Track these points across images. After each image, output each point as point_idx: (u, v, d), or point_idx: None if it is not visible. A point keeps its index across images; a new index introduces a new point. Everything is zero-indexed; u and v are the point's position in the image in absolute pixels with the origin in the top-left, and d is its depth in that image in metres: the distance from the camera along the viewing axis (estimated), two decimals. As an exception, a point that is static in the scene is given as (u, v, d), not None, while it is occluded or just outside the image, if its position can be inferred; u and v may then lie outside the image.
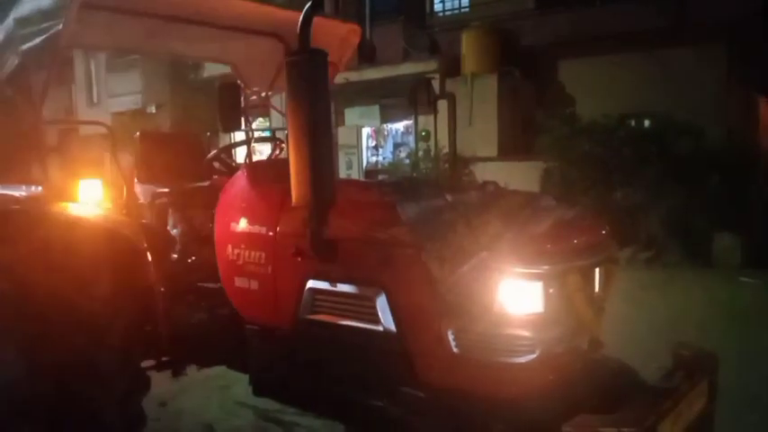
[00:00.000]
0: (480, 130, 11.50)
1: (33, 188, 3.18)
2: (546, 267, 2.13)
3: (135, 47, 4.27)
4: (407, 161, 12.17)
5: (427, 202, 2.47)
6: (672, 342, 2.49)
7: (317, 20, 2.35)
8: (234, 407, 4.17)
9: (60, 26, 2.83)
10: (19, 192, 3.18)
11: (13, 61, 3.28)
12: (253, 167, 3.12)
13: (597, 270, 2.37)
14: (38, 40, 3.02)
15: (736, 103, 10.53)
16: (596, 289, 2.38)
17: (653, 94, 10.49)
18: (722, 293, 7.19)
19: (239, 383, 3.81)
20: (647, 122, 10.47)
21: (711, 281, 7.81)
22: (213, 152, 3.45)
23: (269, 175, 3.01)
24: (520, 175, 9.11)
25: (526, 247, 2.14)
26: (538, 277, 2.13)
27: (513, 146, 11.80)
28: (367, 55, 13.60)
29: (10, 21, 3.28)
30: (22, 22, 3.16)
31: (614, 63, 11.17)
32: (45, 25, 2.94)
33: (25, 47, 3.12)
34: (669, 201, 8.83)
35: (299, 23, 2.28)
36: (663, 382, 2.23)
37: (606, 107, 10.14)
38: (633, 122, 10.30)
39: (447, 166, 11.33)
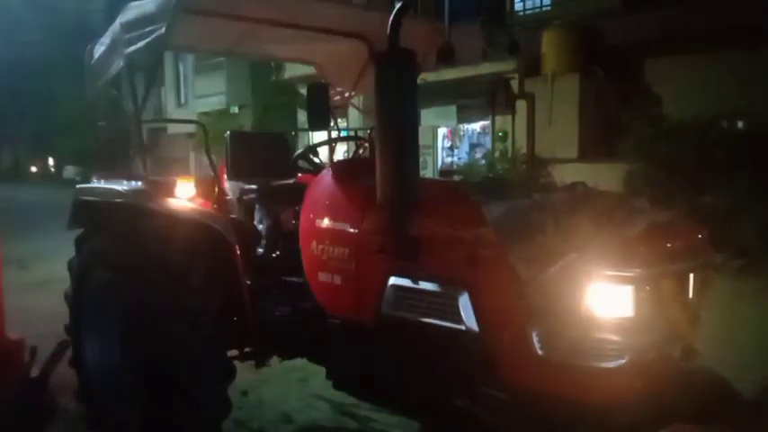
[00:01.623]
0: (560, 131, 11.21)
1: (134, 183, 3.39)
2: (638, 271, 2.07)
3: (228, 49, 4.47)
4: (483, 162, 12.05)
5: (513, 201, 2.46)
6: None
7: (406, 21, 2.39)
8: (312, 399, 4.27)
9: (163, 29, 3.00)
10: (122, 186, 3.39)
11: (118, 63, 3.51)
12: (338, 166, 3.19)
13: (692, 275, 2.28)
14: (141, 44, 3.21)
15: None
16: (690, 295, 2.29)
17: (746, 94, 9.89)
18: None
19: (317, 376, 3.90)
20: (740, 124, 9.89)
21: (812, 293, 7.29)
22: (300, 150, 3.56)
23: (354, 173, 3.07)
24: (601, 178, 8.76)
25: (617, 249, 2.09)
26: (629, 281, 2.07)
27: (595, 148, 11.42)
28: (445, 55, 13.55)
29: (116, 25, 3.50)
30: (128, 26, 3.37)
31: (705, 62, 10.62)
32: (149, 29, 3.13)
33: (130, 50, 3.33)
34: (764, 206, 8.31)
35: (390, 23, 2.32)
36: (761, 394, 2.12)
37: (696, 108, 9.64)
38: (726, 124, 9.74)
39: (524, 167, 11.13)
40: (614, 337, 2.08)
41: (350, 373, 3.02)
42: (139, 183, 3.36)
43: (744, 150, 8.81)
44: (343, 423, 3.99)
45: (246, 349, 3.49)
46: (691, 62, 10.86)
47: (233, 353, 3.41)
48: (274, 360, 3.66)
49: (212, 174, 3.52)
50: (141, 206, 3.19)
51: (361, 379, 2.96)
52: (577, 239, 2.11)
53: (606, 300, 2.08)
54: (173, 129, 21.18)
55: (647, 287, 2.10)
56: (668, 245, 2.20)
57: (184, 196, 3.31)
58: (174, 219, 3.14)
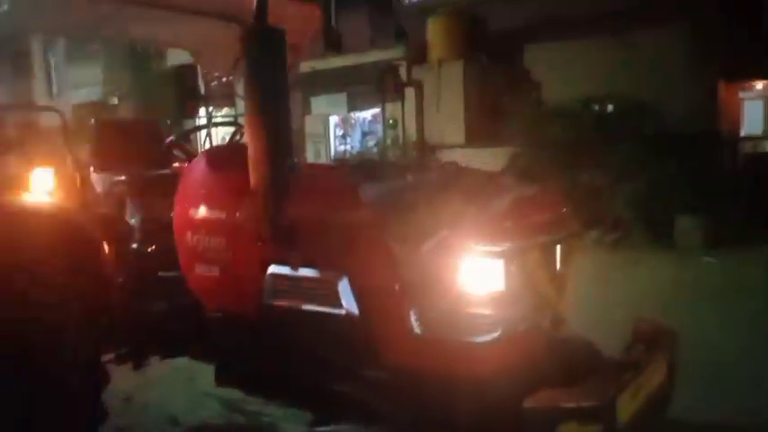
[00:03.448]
0: (448, 116, 11.49)
1: (-18, 178, 3.06)
2: (507, 245, 2.13)
3: (90, 31, 4.12)
4: (375, 150, 12.13)
5: (388, 183, 2.46)
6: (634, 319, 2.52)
7: (275, 1, 2.31)
8: (200, 398, 4.09)
9: (5, 7, 2.72)
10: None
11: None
12: (212, 153, 3.06)
13: (558, 247, 2.38)
14: None
15: (698, 86, 10.70)
16: (558, 266, 2.39)
17: (619, 77, 10.57)
18: (686, 273, 7.32)
19: (206, 374, 3.74)
20: (612, 106, 10.58)
21: (675, 261, 7.96)
22: (170, 138, 3.37)
23: (228, 159, 2.94)
24: (487, 162, 9.12)
25: (487, 225, 2.14)
26: (499, 255, 2.12)
27: (481, 132, 11.81)
28: (333, 42, 13.46)
29: None
30: None
31: (579, 47, 11.25)
32: None
33: None
34: (635, 183, 8.96)
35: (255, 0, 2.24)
36: (623, 355, 2.26)
37: (573, 91, 10.21)
38: (599, 106, 10.39)
39: (415, 153, 11.31)
40: (487, 311, 2.13)
41: (234, 368, 2.92)
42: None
43: (615, 130, 9.45)
44: (233, 420, 3.86)
45: (123, 351, 3.28)
46: (567, 48, 11.46)
47: (109, 356, 3.20)
48: (159, 362, 3.48)
49: (75, 165, 3.26)
50: None
51: (247, 373, 2.88)
52: (448, 217, 2.14)
53: (478, 275, 2.13)
54: (46, 121, 19.66)
55: (517, 260, 2.16)
56: (535, 218, 2.28)
57: (42, 190, 3.04)
58: (25, 215, 2.86)
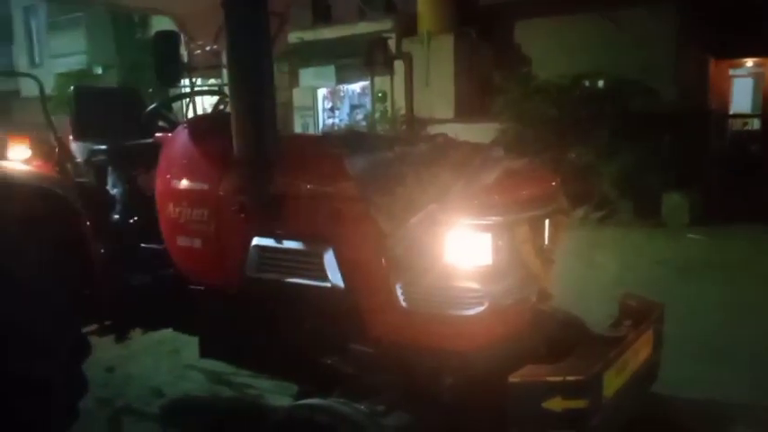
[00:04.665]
0: (437, 91, 11.38)
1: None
2: (494, 219, 2.09)
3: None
4: (364, 123, 12.02)
5: (375, 154, 2.39)
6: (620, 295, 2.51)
7: None
8: (184, 370, 4.08)
9: None
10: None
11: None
12: (195, 122, 2.98)
13: (546, 221, 2.35)
14: None
15: (688, 63, 10.67)
16: (545, 240, 2.36)
17: (608, 54, 10.51)
18: (671, 250, 7.38)
19: (190, 347, 3.72)
20: (601, 83, 10.52)
21: (661, 238, 8.01)
22: (151, 106, 3.29)
23: (212, 129, 2.88)
24: (476, 137, 9.02)
25: (475, 198, 2.09)
26: (486, 229, 2.09)
27: (470, 107, 11.73)
28: (321, 13, 13.27)
29: None
30: None
31: (571, 23, 11.14)
32: None
33: None
34: (622, 160, 8.96)
35: None
36: (609, 331, 2.25)
37: (562, 67, 10.14)
38: (588, 83, 10.33)
39: (404, 127, 11.24)
40: (474, 285, 2.10)
41: (218, 341, 2.89)
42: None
43: (603, 108, 9.41)
44: (218, 392, 3.85)
45: (106, 323, 3.24)
46: (555, 23, 11.34)
47: (91, 328, 3.16)
48: (142, 334, 3.44)
49: (54, 134, 3.17)
50: None
51: (231, 346, 2.85)
52: (436, 190, 2.10)
53: (465, 248, 2.09)
54: (26, 91, 19.36)
55: (505, 234, 2.13)
56: (523, 192, 2.24)
57: (17, 158, 2.95)
58: (4, 183, 2.79)
